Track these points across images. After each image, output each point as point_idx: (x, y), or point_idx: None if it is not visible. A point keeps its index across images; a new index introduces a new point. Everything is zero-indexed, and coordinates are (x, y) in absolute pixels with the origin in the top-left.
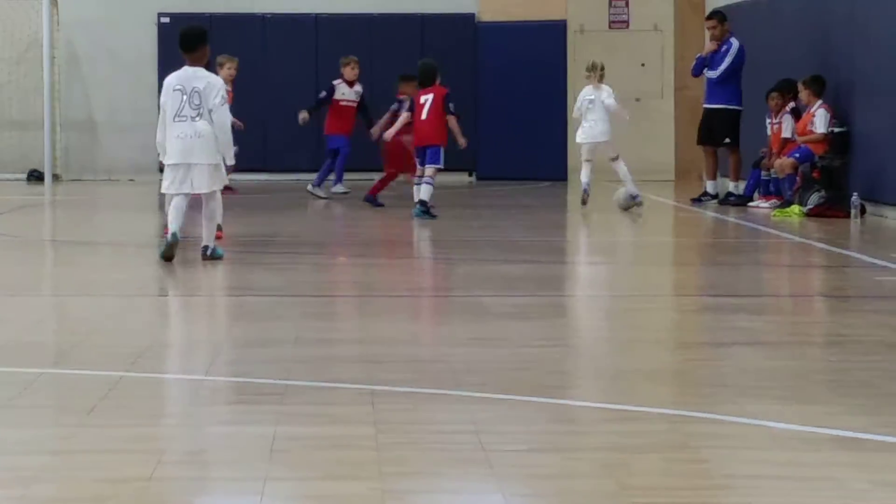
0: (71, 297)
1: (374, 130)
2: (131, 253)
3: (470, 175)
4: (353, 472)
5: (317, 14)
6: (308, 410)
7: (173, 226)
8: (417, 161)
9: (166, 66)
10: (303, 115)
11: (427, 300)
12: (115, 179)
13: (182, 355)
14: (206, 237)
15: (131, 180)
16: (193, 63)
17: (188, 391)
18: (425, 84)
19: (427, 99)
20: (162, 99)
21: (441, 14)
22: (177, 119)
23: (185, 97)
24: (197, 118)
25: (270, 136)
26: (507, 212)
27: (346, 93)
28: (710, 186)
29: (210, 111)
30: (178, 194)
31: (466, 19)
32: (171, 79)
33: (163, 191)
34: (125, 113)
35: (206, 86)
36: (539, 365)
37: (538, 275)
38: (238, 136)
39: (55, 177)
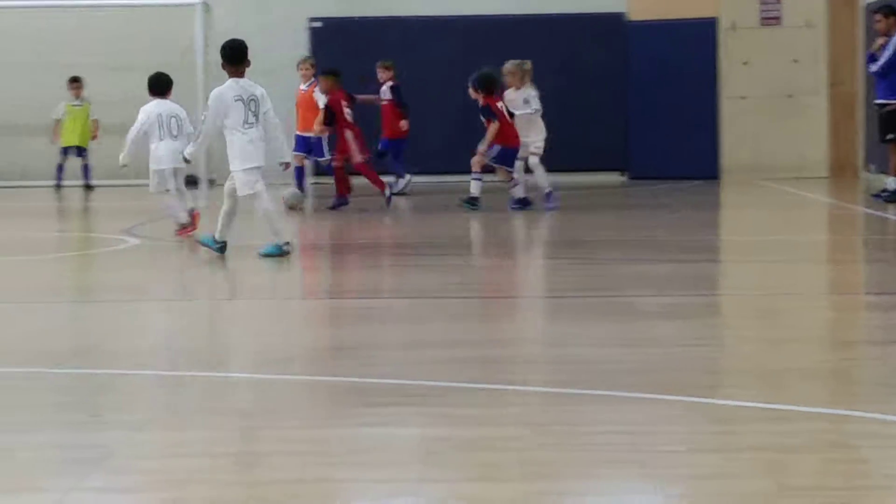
0: (222, 302)
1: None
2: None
3: (622, 174)
4: (504, 475)
5: (465, 16)
6: (457, 412)
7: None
8: (495, 162)
9: (318, 69)
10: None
11: (576, 300)
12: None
13: (332, 358)
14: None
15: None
16: (241, 74)
17: (338, 393)
18: (492, 93)
19: (501, 105)
20: (217, 110)
21: (590, 14)
22: (245, 126)
23: (246, 106)
24: (257, 125)
25: (423, 138)
26: (657, 211)
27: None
28: (891, 183)
29: (265, 114)
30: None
31: (615, 18)
32: (227, 90)
33: (248, 192)
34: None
35: (262, 94)
36: (691, 364)
37: (688, 274)
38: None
39: (211, 182)
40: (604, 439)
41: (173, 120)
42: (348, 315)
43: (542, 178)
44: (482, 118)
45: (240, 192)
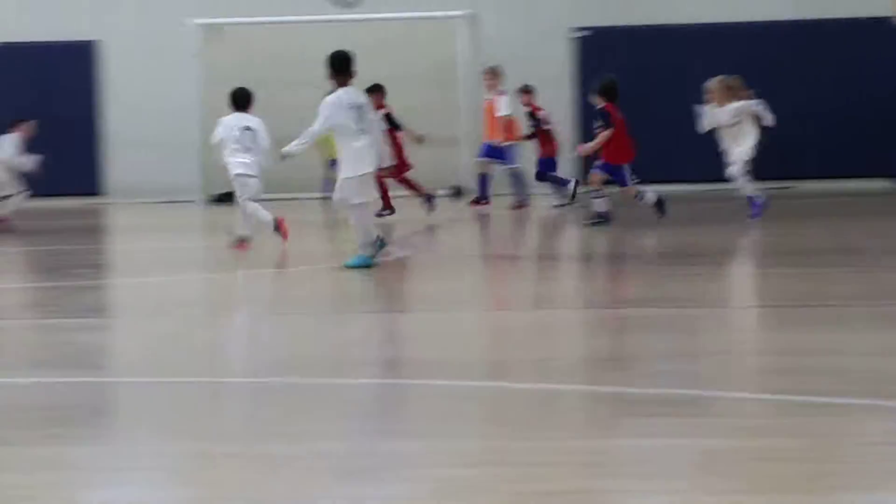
0: (501, 313)
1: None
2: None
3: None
4: (781, 486)
5: (737, 22)
6: (730, 422)
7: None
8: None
9: (581, 79)
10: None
11: (849, 310)
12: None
13: (600, 369)
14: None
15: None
16: (349, 84)
17: (613, 403)
18: (613, 99)
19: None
20: (331, 115)
21: (854, 18)
22: (358, 133)
23: (357, 113)
24: (366, 132)
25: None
26: None
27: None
28: None
29: (371, 122)
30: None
31: (882, 23)
32: (343, 96)
33: (364, 200)
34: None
35: (368, 103)
36: None
37: None
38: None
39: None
40: (887, 451)
41: (247, 133)
42: (615, 324)
43: (747, 187)
44: (596, 124)
45: (352, 200)
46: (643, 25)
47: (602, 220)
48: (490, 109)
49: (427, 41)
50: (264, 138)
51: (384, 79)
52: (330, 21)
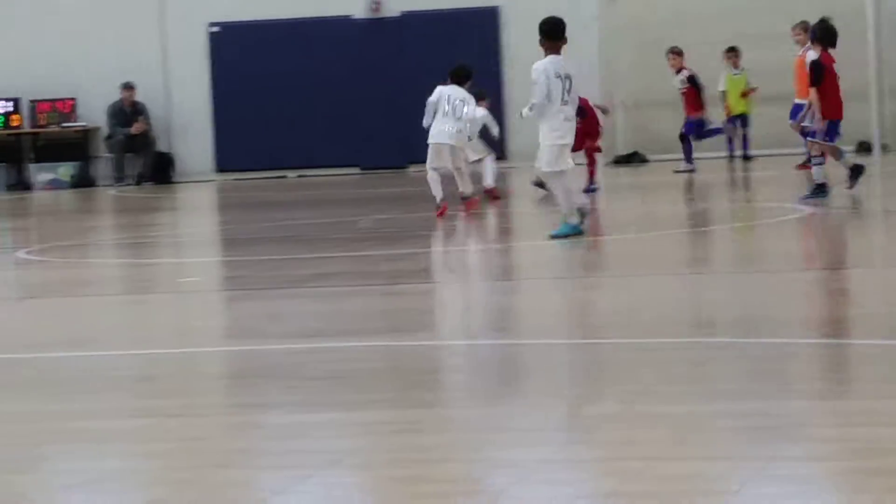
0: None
1: None
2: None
3: None
4: None
5: None
6: None
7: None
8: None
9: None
10: None
11: None
12: None
13: None
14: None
15: None
16: (558, 51)
17: None
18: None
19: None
20: (545, 83)
21: None
22: (562, 104)
23: (563, 83)
24: (570, 103)
25: None
26: None
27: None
28: None
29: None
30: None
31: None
32: (550, 65)
33: (555, 169)
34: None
35: (574, 74)
36: None
37: None
38: None
39: (884, 147)
40: None
41: (459, 102)
42: None
43: None
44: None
45: (546, 168)
46: None
47: (822, 193)
48: (800, 66)
49: None
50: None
51: (774, 35)
52: None
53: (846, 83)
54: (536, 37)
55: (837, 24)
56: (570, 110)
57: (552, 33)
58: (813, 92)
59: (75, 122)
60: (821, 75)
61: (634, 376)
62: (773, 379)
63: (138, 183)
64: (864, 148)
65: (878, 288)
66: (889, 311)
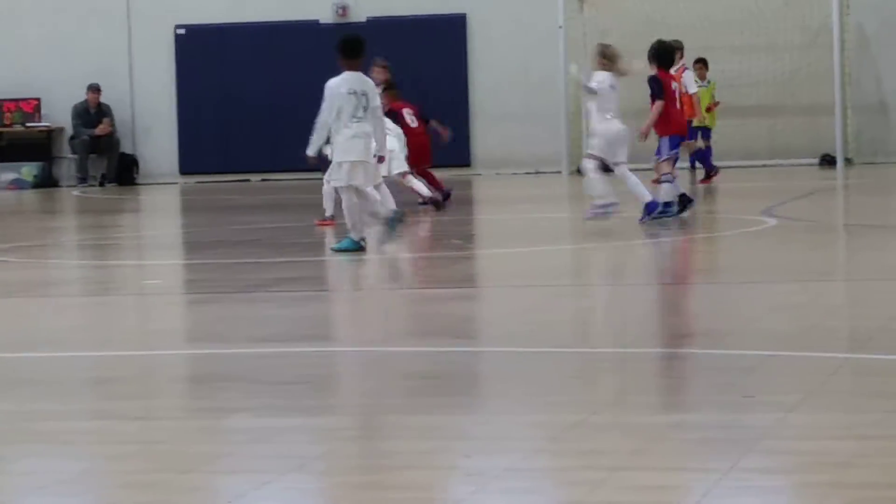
0: (866, 282)
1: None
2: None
3: None
4: None
5: None
6: None
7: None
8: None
9: None
10: None
11: None
12: None
13: None
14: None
15: None
16: (355, 68)
17: None
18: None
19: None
20: (331, 102)
21: None
22: (352, 120)
23: (357, 100)
24: (364, 120)
25: None
26: None
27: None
28: None
29: (373, 110)
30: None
31: None
32: (341, 83)
33: (341, 184)
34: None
35: (372, 89)
36: None
37: None
38: None
39: (847, 161)
40: None
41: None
42: None
43: None
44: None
45: (334, 183)
46: None
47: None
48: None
49: (799, 9)
50: None
51: (744, 47)
52: None
53: (810, 97)
54: (503, 44)
55: (803, 38)
56: (365, 126)
57: (347, 52)
58: (657, 105)
59: (39, 122)
60: (660, 89)
61: (598, 386)
62: (734, 391)
63: (102, 184)
64: (828, 161)
65: (842, 302)
66: (852, 325)
